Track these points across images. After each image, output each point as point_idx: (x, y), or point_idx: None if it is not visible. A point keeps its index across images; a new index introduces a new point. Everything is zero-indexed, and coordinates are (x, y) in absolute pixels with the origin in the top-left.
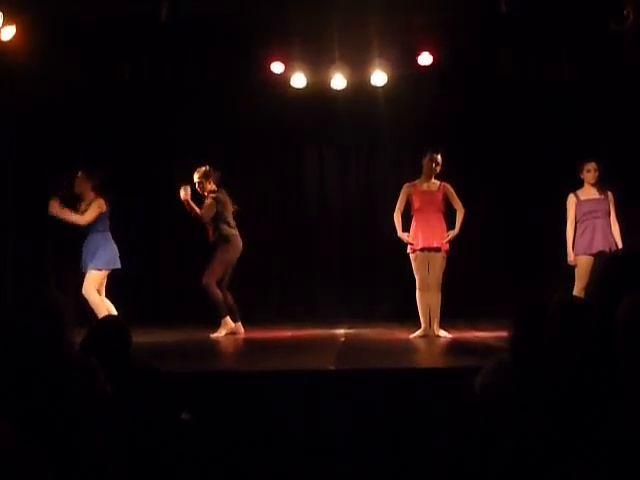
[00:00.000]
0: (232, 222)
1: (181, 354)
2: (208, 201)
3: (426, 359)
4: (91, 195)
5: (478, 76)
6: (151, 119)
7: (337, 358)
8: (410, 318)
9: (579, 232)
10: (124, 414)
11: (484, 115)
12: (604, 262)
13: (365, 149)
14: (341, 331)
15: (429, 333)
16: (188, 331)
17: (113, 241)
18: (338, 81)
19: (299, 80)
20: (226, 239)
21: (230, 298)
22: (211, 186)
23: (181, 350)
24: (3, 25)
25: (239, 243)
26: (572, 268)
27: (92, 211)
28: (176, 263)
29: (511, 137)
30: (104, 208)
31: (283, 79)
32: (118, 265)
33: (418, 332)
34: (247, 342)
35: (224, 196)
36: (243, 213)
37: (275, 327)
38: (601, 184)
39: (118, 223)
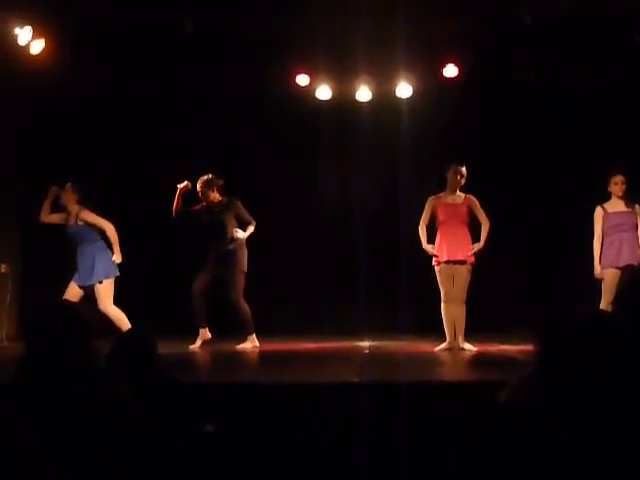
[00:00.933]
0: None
1: (204, 366)
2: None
3: (451, 372)
4: (75, 207)
5: (503, 88)
6: (176, 131)
7: (361, 371)
8: (435, 331)
9: (606, 245)
10: (148, 425)
11: (509, 127)
12: (632, 276)
13: (390, 161)
14: (365, 343)
15: (454, 346)
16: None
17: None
18: (363, 93)
19: (324, 92)
20: (240, 246)
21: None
22: (214, 195)
23: (204, 362)
24: (32, 39)
25: (245, 252)
26: (599, 282)
27: (96, 217)
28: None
29: (537, 149)
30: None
31: (308, 91)
32: (117, 273)
33: (443, 345)
34: (270, 354)
35: (235, 201)
36: (267, 225)
37: (298, 339)
38: (628, 197)
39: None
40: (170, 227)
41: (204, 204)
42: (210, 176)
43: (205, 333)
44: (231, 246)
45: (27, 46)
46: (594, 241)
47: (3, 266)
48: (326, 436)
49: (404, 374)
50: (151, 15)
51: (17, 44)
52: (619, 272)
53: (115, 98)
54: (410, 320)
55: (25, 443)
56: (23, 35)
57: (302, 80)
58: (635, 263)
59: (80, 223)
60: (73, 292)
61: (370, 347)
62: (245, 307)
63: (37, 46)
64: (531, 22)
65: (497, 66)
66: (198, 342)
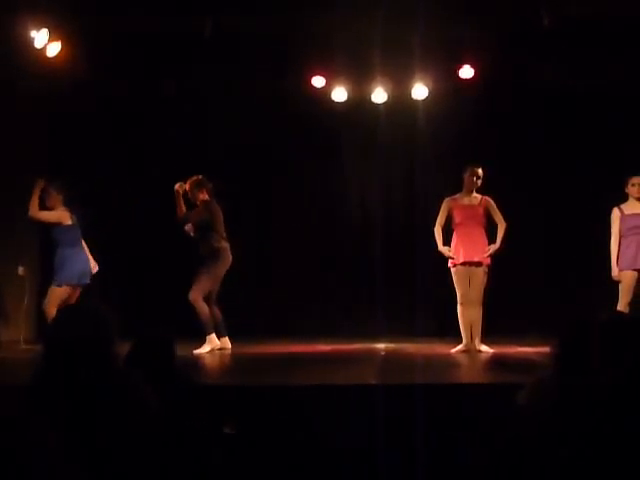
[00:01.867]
0: (223, 234)
1: (222, 368)
2: (198, 208)
3: (467, 374)
4: (61, 208)
5: (519, 89)
6: (192, 132)
7: (378, 373)
8: (451, 333)
9: (623, 247)
10: (168, 428)
11: (525, 128)
12: None
13: (406, 163)
14: (382, 345)
15: (470, 348)
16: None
17: (85, 256)
18: (379, 95)
19: (340, 94)
20: (216, 252)
21: (218, 313)
22: (203, 196)
23: (222, 364)
24: (49, 41)
25: (228, 256)
26: (616, 283)
27: (47, 214)
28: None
29: (553, 150)
30: (66, 220)
31: (324, 93)
32: (84, 281)
33: (459, 347)
34: (288, 356)
35: (215, 206)
36: (283, 228)
37: (315, 341)
38: None
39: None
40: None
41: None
42: (200, 177)
43: (213, 340)
44: (208, 250)
45: (44, 49)
46: (611, 243)
47: (21, 269)
48: (343, 437)
49: (421, 376)
50: (168, 17)
51: (34, 47)
52: (637, 274)
53: (131, 99)
54: (426, 322)
55: (43, 444)
56: (40, 38)
57: (318, 82)
58: None
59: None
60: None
61: (387, 349)
62: (202, 307)
63: (53, 49)
64: (548, 23)
65: (513, 67)
66: (206, 348)
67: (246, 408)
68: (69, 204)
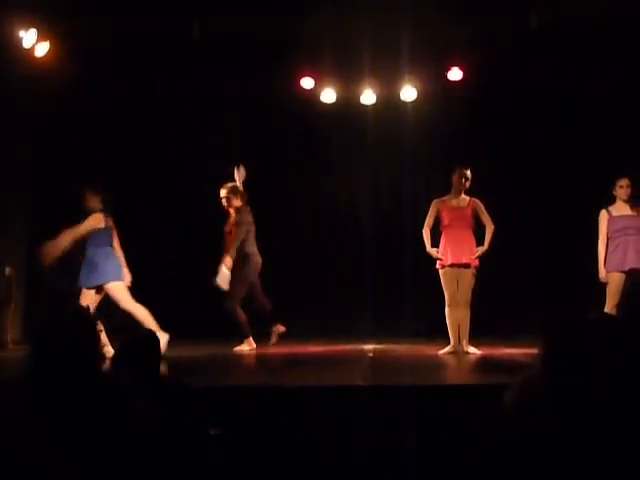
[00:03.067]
0: (253, 240)
1: (209, 369)
2: (234, 221)
3: (455, 376)
4: (98, 210)
5: (507, 91)
6: (181, 133)
7: (365, 374)
8: (439, 334)
9: (611, 249)
10: (154, 429)
11: (513, 130)
12: (634, 280)
13: (395, 164)
14: (370, 347)
15: (458, 349)
16: (213, 345)
17: (116, 259)
18: (368, 96)
19: (329, 95)
20: (247, 257)
21: (268, 304)
22: (237, 202)
23: (209, 365)
24: (37, 41)
25: (258, 261)
26: (603, 285)
27: (83, 228)
28: (194, 277)
29: (541, 153)
30: (101, 223)
31: (313, 94)
32: (121, 279)
33: (447, 348)
34: (276, 357)
35: (248, 214)
36: (272, 229)
37: (303, 342)
38: (634, 200)
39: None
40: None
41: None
42: (236, 184)
43: (251, 343)
44: (241, 255)
45: (32, 49)
46: (599, 244)
47: (8, 269)
48: (331, 439)
49: (408, 377)
50: (157, 18)
51: (22, 47)
52: (624, 276)
53: (120, 100)
54: (414, 323)
55: (31, 444)
56: (28, 38)
57: (307, 83)
58: None
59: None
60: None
61: (375, 350)
62: (239, 312)
63: (42, 49)
64: (536, 25)
65: (501, 69)
66: (245, 347)
67: (233, 409)
68: (106, 206)
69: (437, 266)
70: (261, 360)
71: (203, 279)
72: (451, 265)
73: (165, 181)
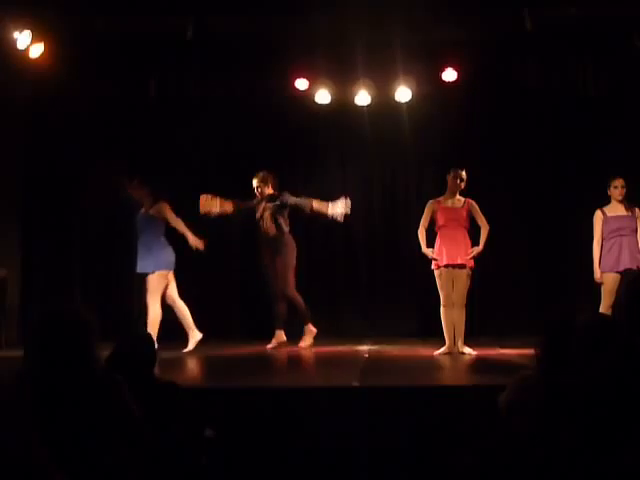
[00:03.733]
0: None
1: (203, 370)
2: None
3: (450, 376)
4: (150, 200)
5: (502, 92)
6: (175, 134)
7: (361, 375)
8: (434, 335)
9: (606, 249)
10: (149, 431)
11: (508, 131)
12: (631, 280)
13: (389, 165)
14: (365, 348)
15: (453, 350)
16: (207, 346)
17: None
18: (362, 97)
19: (323, 96)
20: (290, 242)
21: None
22: (269, 190)
23: (204, 366)
24: (31, 43)
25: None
26: (598, 285)
27: (169, 212)
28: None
29: (536, 153)
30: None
31: (307, 95)
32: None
33: (442, 349)
34: (270, 358)
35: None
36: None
37: (298, 343)
38: (628, 201)
39: None
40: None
41: (259, 199)
42: (266, 172)
43: (281, 335)
44: (279, 240)
45: (26, 50)
46: (594, 245)
47: (2, 270)
48: (326, 440)
49: (404, 378)
50: (150, 19)
51: (16, 48)
52: (619, 276)
53: (114, 101)
54: (410, 324)
55: (24, 444)
56: (22, 39)
57: (301, 84)
58: (635, 267)
59: (152, 213)
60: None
61: (370, 351)
62: (299, 299)
63: (36, 50)
64: (531, 26)
65: (496, 70)
66: (273, 343)
67: (227, 411)
68: (156, 196)
69: (432, 267)
70: (256, 361)
71: (204, 280)
72: (446, 266)
73: (160, 181)
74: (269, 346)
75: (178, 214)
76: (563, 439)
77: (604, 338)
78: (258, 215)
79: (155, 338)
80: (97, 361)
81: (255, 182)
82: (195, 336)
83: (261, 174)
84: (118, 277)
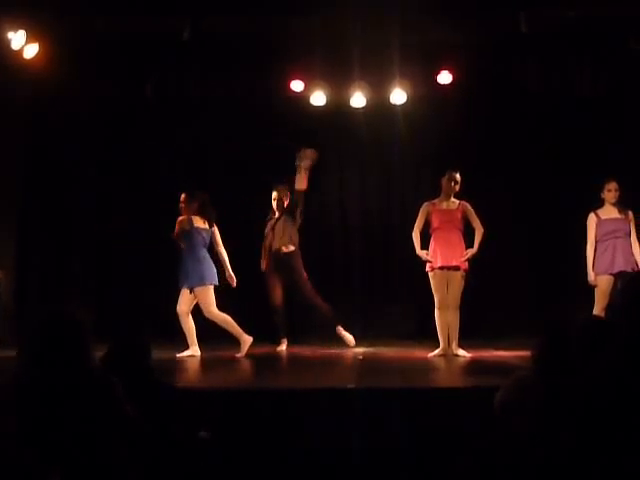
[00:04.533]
0: None
1: (199, 371)
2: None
3: (445, 378)
4: (191, 214)
5: (497, 95)
6: (171, 134)
7: (356, 376)
8: (429, 337)
9: (599, 252)
10: (144, 431)
11: (503, 134)
12: (627, 281)
13: (384, 167)
14: (360, 349)
15: (448, 352)
16: (204, 348)
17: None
18: (357, 99)
19: (319, 98)
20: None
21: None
22: (287, 202)
23: (199, 367)
24: (26, 43)
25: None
26: (592, 288)
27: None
28: None
29: (531, 156)
30: (185, 226)
31: (303, 97)
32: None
33: (437, 351)
34: (265, 360)
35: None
36: (260, 231)
37: (293, 345)
38: (622, 204)
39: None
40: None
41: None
42: (287, 186)
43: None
44: (289, 252)
45: (21, 50)
46: (587, 248)
47: None
48: (321, 440)
49: (398, 380)
50: (147, 19)
51: (10, 48)
52: (612, 278)
53: (111, 102)
54: (404, 326)
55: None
56: (17, 39)
57: (297, 86)
58: (629, 269)
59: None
60: (186, 298)
61: (365, 353)
62: (323, 304)
63: (31, 50)
64: (526, 29)
65: (491, 73)
66: (350, 340)
67: (223, 412)
68: (199, 210)
69: (427, 269)
70: (251, 363)
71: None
72: (441, 268)
73: (152, 182)
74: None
75: (171, 217)
76: (561, 439)
77: (602, 339)
78: (269, 227)
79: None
80: (92, 361)
81: (275, 193)
82: (247, 342)
83: (281, 187)
84: (114, 278)
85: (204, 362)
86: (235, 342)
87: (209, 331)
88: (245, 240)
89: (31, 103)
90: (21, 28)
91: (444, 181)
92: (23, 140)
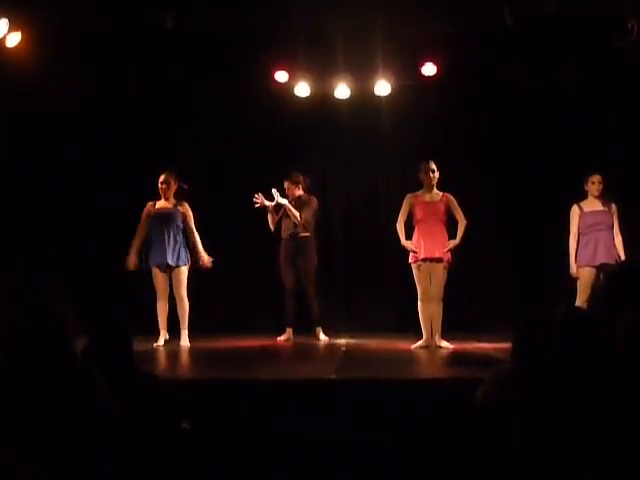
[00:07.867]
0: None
1: (183, 362)
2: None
3: (427, 370)
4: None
5: (481, 87)
6: (154, 127)
7: (338, 368)
8: (412, 329)
9: (582, 244)
10: (126, 423)
11: (487, 126)
12: (609, 274)
13: (368, 159)
14: (342, 341)
15: (430, 344)
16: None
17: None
18: (342, 91)
19: (303, 89)
20: (312, 245)
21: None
22: (299, 191)
23: (180, 358)
24: (9, 32)
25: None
26: (574, 280)
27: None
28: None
29: (515, 149)
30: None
31: (287, 88)
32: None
33: (419, 343)
34: (247, 351)
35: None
36: (244, 225)
37: (276, 336)
38: (605, 196)
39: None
40: None
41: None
42: (298, 175)
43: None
44: (303, 240)
45: (3, 39)
46: (570, 240)
47: None
48: (304, 432)
49: (381, 371)
50: (129, 11)
51: None
52: (595, 271)
53: (94, 95)
54: (387, 318)
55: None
56: None
57: (281, 77)
58: (611, 262)
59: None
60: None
61: (347, 344)
62: (314, 302)
63: (13, 39)
64: (511, 22)
65: (475, 65)
66: (285, 336)
67: (204, 403)
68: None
69: (410, 260)
70: (233, 353)
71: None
72: (424, 259)
73: (131, 177)
74: (280, 338)
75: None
76: (540, 434)
77: (581, 331)
78: (281, 214)
79: None
80: (74, 354)
81: (286, 184)
82: (163, 335)
83: (294, 176)
84: (96, 272)
85: (185, 353)
86: (224, 332)
87: (197, 321)
88: (227, 234)
89: (11, 93)
90: (3, 16)
91: (422, 175)
92: (9, 135)
